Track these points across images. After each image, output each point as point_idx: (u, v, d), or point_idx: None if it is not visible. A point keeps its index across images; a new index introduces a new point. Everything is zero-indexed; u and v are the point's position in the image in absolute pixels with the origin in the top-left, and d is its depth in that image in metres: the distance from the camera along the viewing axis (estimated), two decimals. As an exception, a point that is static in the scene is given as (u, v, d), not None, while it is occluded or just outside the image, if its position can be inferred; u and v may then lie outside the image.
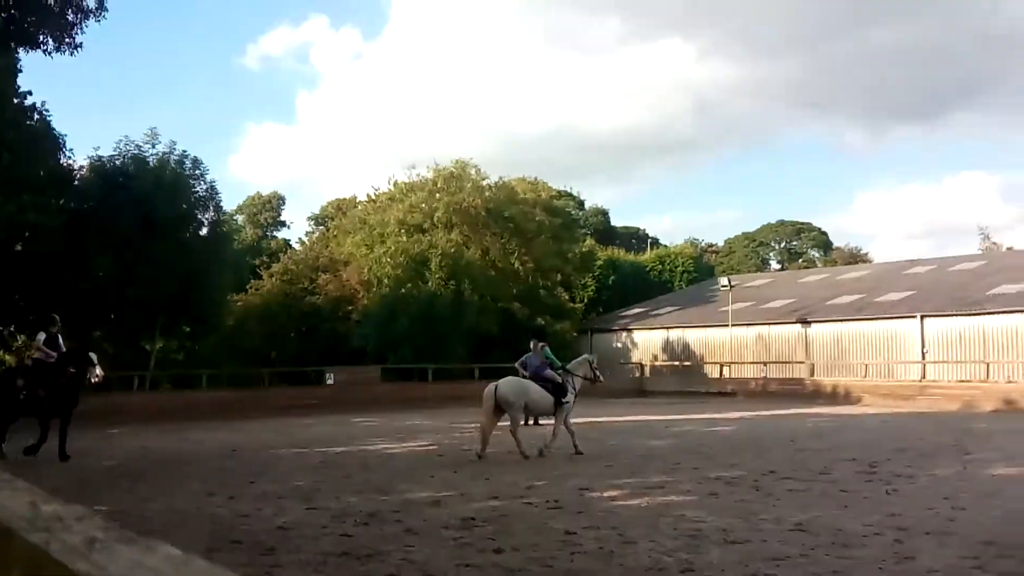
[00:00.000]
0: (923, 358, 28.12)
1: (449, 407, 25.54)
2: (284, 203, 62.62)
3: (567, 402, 13.06)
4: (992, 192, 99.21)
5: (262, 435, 17.41)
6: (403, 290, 32.37)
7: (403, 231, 35.39)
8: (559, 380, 13.19)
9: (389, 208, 37.45)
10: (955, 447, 13.40)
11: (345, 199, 56.00)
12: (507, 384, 12.79)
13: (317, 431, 18.27)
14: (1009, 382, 24.78)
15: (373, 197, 41.11)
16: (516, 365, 19.52)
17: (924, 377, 27.59)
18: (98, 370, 12.85)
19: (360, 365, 31.57)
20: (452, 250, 34.34)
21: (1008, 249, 52.26)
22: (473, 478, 10.28)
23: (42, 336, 13.06)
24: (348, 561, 6.10)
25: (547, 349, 13.96)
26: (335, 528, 7.29)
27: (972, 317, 27.45)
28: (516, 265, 37.60)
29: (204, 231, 28.57)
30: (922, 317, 28.62)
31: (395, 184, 39.36)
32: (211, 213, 28.88)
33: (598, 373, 14.34)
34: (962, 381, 26.01)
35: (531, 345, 14.04)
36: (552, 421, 13.18)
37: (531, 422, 18.08)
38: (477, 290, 33.81)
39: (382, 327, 31.64)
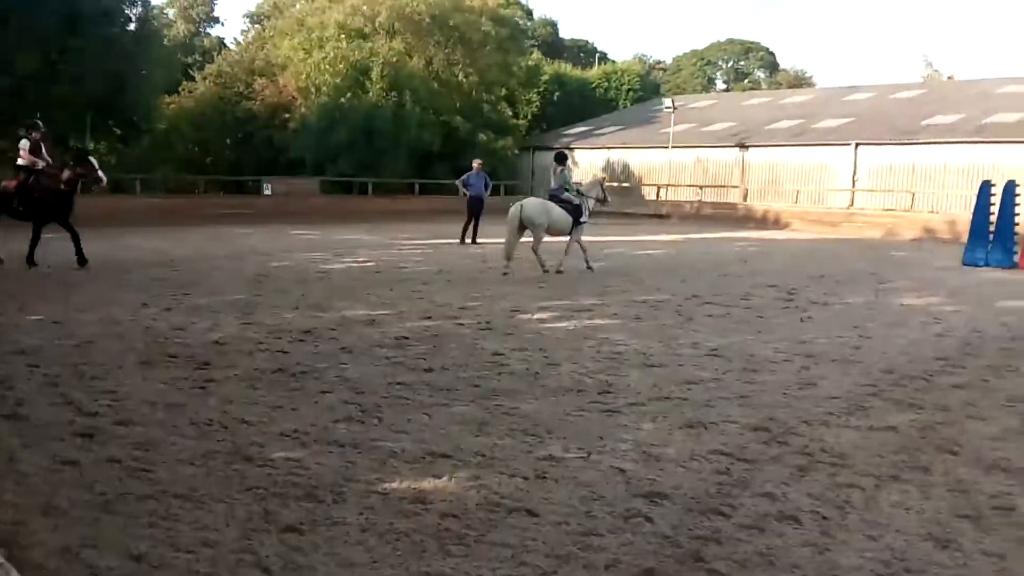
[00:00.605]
0: (853, 186, 28.87)
1: (389, 222, 25.65)
2: (216, -2, 59.04)
3: (584, 222, 13.96)
4: (940, 16, 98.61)
5: (198, 244, 17.39)
6: (342, 99, 31.42)
7: (343, 36, 33.84)
8: (576, 201, 13.84)
9: (329, 9, 35.61)
10: (872, 275, 14.11)
11: (284, -5, 53.00)
12: (531, 204, 13.47)
13: (254, 242, 18.25)
14: (931, 212, 25.75)
15: (312, -3, 38.98)
16: (457, 182, 19.69)
17: (852, 204, 28.44)
18: (101, 174, 12.82)
19: (298, 176, 31.15)
20: (394, 59, 33.13)
21: (948, 79, 52.55)
22: (408, 297, 10.52)
23: (25, 143, 12.65)
24: (282, 377, 6.34)
25: (566, 172, 14.45)
26: (271, 344, 7.49)
27: (903, 147, 28.03)
28: (460, 77, 36.58)
29: (132, 26, 27.00)
30: (856, 145, 29.10)
31: (333, -17, 37.29)
32: (139, 8, 27.26)
33: (608, 194, 15.03)
34: (887, 210, 26.94)
35: (552, 169, 14.55)
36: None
37: (467, 240, 18.53)
38: (419, 102, 32.98)
39: (320, 138, 30.97)
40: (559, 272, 13.25)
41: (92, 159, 13.08)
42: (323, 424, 5.18)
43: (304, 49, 34.27)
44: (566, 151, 16.13)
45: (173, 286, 11.02)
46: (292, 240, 19.09)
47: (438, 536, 3.63)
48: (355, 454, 4.65)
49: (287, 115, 33.41)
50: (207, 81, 35.45)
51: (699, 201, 32.29)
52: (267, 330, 8.12)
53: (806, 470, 4.54)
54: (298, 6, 41.39)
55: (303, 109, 32.99)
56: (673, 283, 12.58)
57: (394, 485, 4.20)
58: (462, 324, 8.72)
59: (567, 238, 13.81)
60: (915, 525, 3.87)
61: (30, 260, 12.43)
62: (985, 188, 16.76)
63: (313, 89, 32.71)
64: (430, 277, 12.70)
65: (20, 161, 12.68)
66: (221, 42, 51.22)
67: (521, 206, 13.32)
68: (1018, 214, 16.42)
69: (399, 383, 6.20)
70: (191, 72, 36.52)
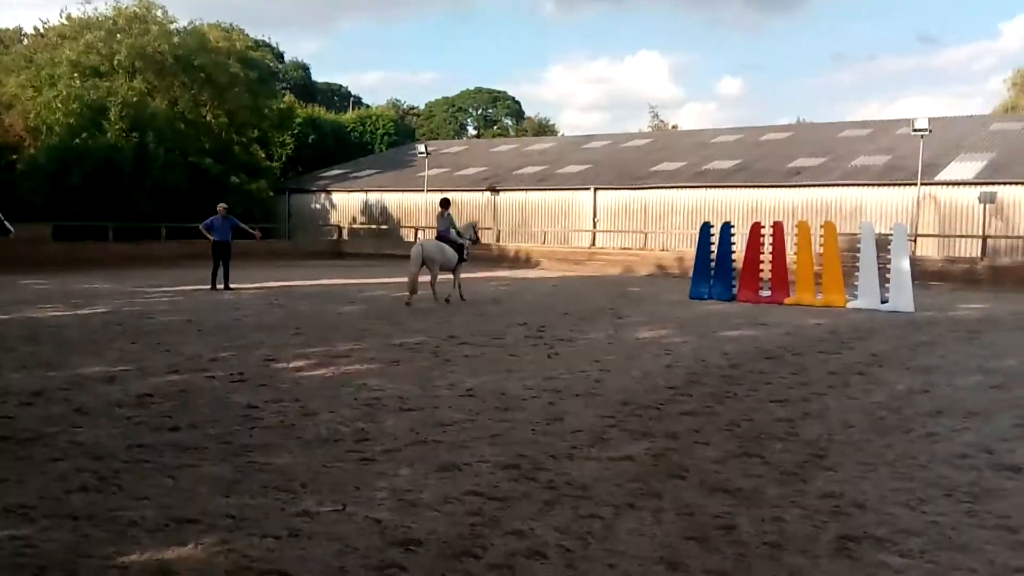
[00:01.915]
0: (594, 227, 30.92)
1: (132, 268, 24.05)
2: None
3: (466, 259, 16.49)
4: (663, 72, 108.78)
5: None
6: (77, 140, 29.20)
7: (77, 74, 31.54)
8: (460, 241, 16.17)
9: (60, 46, 33.08)
10: (611, 311, 15.14)
11: (8, 30, 48.67)
12: (430, 245, 15.73)
13: (-29, 297, 16.39)
14: (662, 250, 28.12)
15: (42, 32, 36.15)
16: (200, 227, 18.90)
17: (594, 244, 30.46)
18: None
19: (28, 222, 28.39)
20: (135, 99, 31.34)
21: (673, 127, 57.91)
22: (153, 350, 9.92)
23: None
24: (7, 446, 5.77)
25: (451, 216, 16.69)
26: (-7, 410, 6.81)
27: (636, 191, 30.50)
28: (208, 118, 35.32)
29: None
30: (595, 189, 31.27)
31: (68, 19, 34.80)
32: None
33: (479, 236, 17.99)
34: (624, 248, 29.12)
35: (439, 213, 16.61)
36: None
37: (219, 286, 17.82)
38: (164, 143, 31.35)
39: (53, 180, 28.52)
40: (447, 301, 15.56)
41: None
42: (53, 495, 4.77)
43: (33, 87, 31.67)
44: (449, 198, 18.01)
45: None
46: (22, 291, 17.39)
47: (184, 607, 3.48)
48: (90, 526, 4.33)
49: (14, 156, 30.51)
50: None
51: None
52: (-13, 395, 7.35)
53: (552, 504, 4.80)
54: (26, 41, 38.23)
55: (32, 150, 30.28)
56: (431, 324, 12.81)
57: (133, 558, 3.95)
58: (213, 377, 8.36)
59: (450, 275, 16.03)
60: (649, 550, 4.18)
61: None
62: (705, 228, 18.58)
63: (44, 129, 30.14)
64: (178, 327, 12.05)
65: None
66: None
67: (422, 246, 15.55)
68: (734, 251, 18.35)
69: (141, 445, 5.84)
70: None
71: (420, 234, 34.85)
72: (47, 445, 5.82)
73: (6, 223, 11.99)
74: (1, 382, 7.90)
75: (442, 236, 16.11)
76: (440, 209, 16.61)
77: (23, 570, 3.79)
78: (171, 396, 7.43)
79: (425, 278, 15.65)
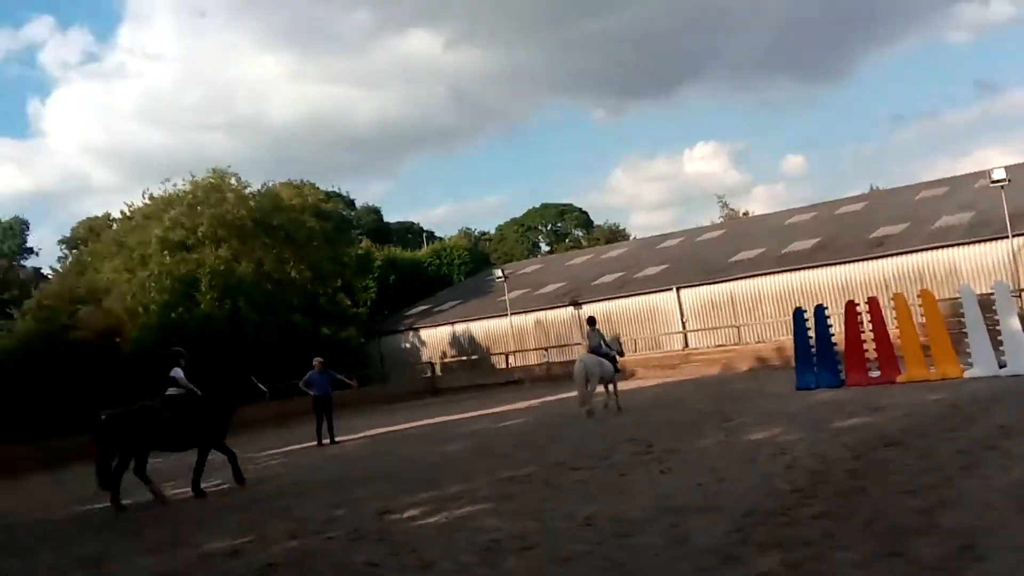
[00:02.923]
0: (683, 327, 30.58)
1: (238, 435, 24.48)
2: (28, 228, 57.42)
3: (619, 371, 18.31)
4: (724, 160, 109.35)
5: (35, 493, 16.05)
6: (173, 315, 30.67)
7: (166, 251, 33.39)
8: (612, 354, 17.68)
9: (147, 226, 35.18)
10: (717, 414, 14.77)
11: (98, 218, 52.07)
12: (591, 360, 16.99)
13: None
14: (759, 342, 27.52)
15: (128, 214, 38.46)
16: (300, 384, 19.38)
17: (687, 345, 30.04)
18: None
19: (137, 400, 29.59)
20: (222, 267, 32.89)
21: (744, 214, 57.68)
22: (269, 516, 10.06)
23: (179, 372, 13.10)
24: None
25: (600, 331, 18.22)
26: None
27: (719, 284, 30.19)
28: (292, 274, 36.67)
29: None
30: (677, 288, 31.08)
31: (151, 198, 37.03)
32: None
33: (623, 348, 19.27)
34: (719, 345, 28.61)
35: (587, 329, 18.34)
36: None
37: (325, 440, 18.08)
38: (254, 305, 32.65)
39: (153, 357, 29.80)
40: (619, 409, 17.14)
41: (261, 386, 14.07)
42: None
43: (127, 269, 33.53)
44: (594, 316, 19.69)
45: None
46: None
47: None
48: None
49: (118, 339, 32.12)
50: (26, 317, 33.79)
51: (547, 362, 33.10)
52: (119, 584, 7.52)
53: (693, 637, 4.61)
54: (115, 227, 40.72)
55: (134, 332, 31.86)
56: (536, 452, 12.69)
57: None
58: (331, 538, 8.40)
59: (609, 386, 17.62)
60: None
61: (197, 488, 12.71)
62: (799, 314, 18.17)
63: (141, 309, 31.79)
64: (291, 488, 12.24)
65: (174, 391, 12.98)
66: (38, 273, 49.41)
67: (584, 363, 16.81)
68: (833, 333, 17.83)
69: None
70: (8, 310, 34.78)
71: (510, 359, 35.05)
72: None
73: (260, 385, 13.79)
74: (131, 568, 8.08)
75: (595, 351, 17.45)
76: (587, 327, 18.35)
77: None
78: (293, 563, 7.47)
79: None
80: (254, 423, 27.92)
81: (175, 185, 36.21)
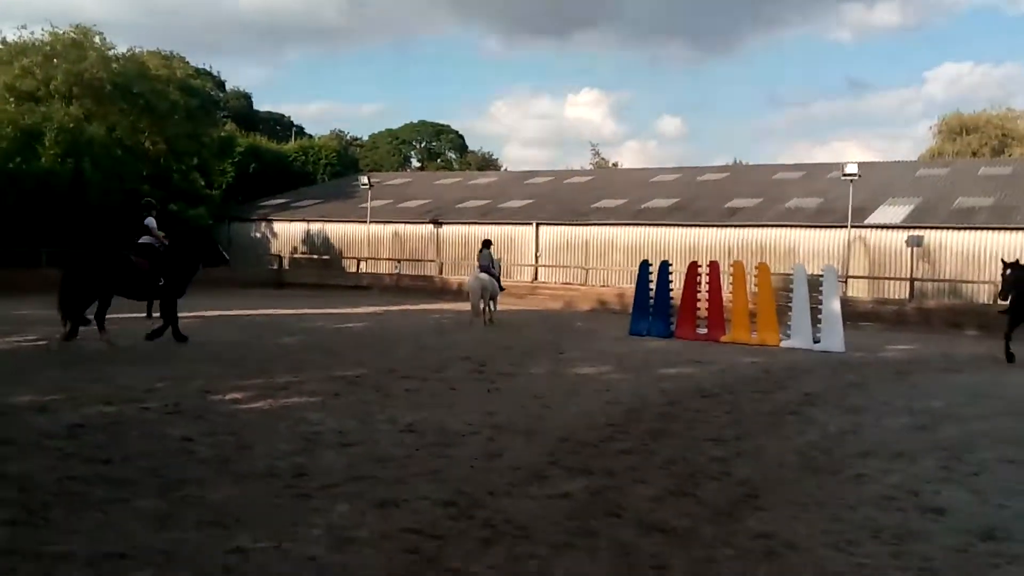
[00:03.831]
0: (536, 261, 31.17)
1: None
2: None
3: (503, 289, 20.56)
4: (605, 110, 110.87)
5: None
6: (11, 165, 28.52)
7: (13, 99, 30.86)
8: (496, 274, 19.64)
9: (-5, 70, 32.29)
10: (552, 346, 15.25)
11: (-58, 53, 47.23)
12: (487, 278, 18.85)
13: None
14: (603, 286, 28.46)
15: (-24, 54, 35.10)
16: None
17: (536, 279, 30.66)
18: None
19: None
20: (71, 125, 30.70)
21: (614, 165, 59.01)
22: (86, 379, 9.67)
23: (152, 221, 14.02)
24: (-70, 480, 5.60)
25: (491, 253, 19.91)
26: (-86, 442, 6.58)
27: (577, 227, 30.88)
28: (147, 145, 34.75)
29: None
30: (537, 224, 31.57)
31: (3, 43, 33.97)
32: None
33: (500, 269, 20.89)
34: (566, 283, 29.39)
35: (481, 252, 19.98)
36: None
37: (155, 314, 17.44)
38: (101, 169, 30.76)
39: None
40: (492, 323, 18.90)
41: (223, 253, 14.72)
42: (-22, 530, 4.64)
43: (-34, 111, 30.74)
44: (489, 240, 21.30)
45: None
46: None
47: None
48: (18, 561, 4.23)
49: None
50: None
51: (398, 273, 33.03)
52: (-93, 425, 7.10)
53: (490, 543, 4.82)
54: (-40, 65, 37.17)
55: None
56: (372, 356, 12.74)
57: (63, 595, 3.87)
58: (147, 408, 8.20)
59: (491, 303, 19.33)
60: (583, 586, 4.25)
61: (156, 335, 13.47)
62: (644, 267, 18.89)
63: (-25, 153, 29.32)
64: (112, 355, 11.80)
65: (146, 239, 13.80)
66: None
67: (481, 280, 18.61)
68: (672, 289, 18.68)
69: (71, 478, 5.71)
70: None
71: (362, 264, 34.72)
72: (-28, 478, 5.64)
73: (224, 253, 14.67)
74: (-78, 411, 7.63)
75: (485, 269, 19.27)
76: (483, 249, 20.01)
77: (-56, 609, 3.68)
78: (103, 428, 7.27)
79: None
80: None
81: (32, 33, 33.35)
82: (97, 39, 33.79)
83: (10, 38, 33.80)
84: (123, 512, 5.06)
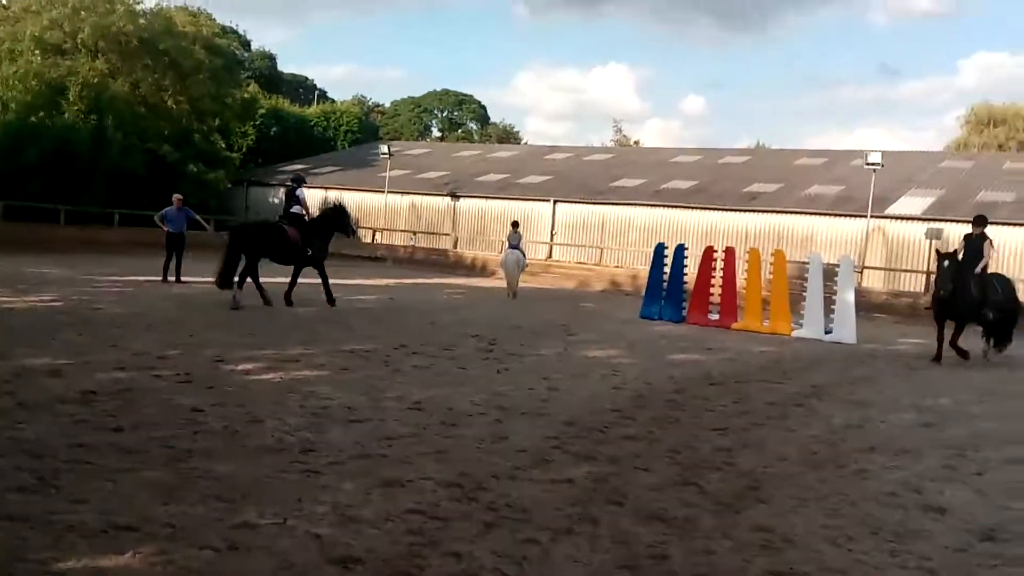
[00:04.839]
0: (551, 239, 31.13)
1: (84, 255, 23.63)
2: None
3: (527, 264, 22.54)
4: (630, 86, 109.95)
5: None
6: (34, 119, 28.62)
7: (39, 51, 30.87)
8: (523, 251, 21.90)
9: (23, 20, 32.31)
10: (562, 327, 15.28)
11: (-31, 0, 47.38)
12: (519, 255, 21.49)
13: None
14: (617, 267, 28.44)
15: (4, 3, 35.20)
16: (155, 217, 18.69)
17: (551, 256, 30.67)
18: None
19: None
20: (95, 80, 30.78)
21: (635, 143, 58.61)
22: (100, 344, 9.80)
23: (303, 192, 15.60)
24: (-55, 439, 5.71)
25: (519, 232, 22.04)
26: (-70, 400, 6.70)
27: (595, 206, 30.81)
28: (169, 104, 34.84)
29: None
30: (555, 201, 31.50)
31: (32, -9, 34.03)
32: None
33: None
34: (580, 262, 29.40)
35: (511, 232, 21.94)
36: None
37: (171, 278, 17.61)
38: (123, 127, 30.85)
39: (8, 158, 27.89)
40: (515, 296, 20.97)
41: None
42: (-10, 494, 4.74)
43: (-8, 60, 30.89)
44: (517, 221, 23.00)
45: None
46: (-35, 272, 17.00)
47: (119, 619, 3.49)
48: (27, 529, 4.30)
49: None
50: None
51: (413, 246, 33.12)
52: (-75, 384, 7.23)
53: (492, 526, 4.88)
54: (-12, 15, 37.25)
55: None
56: (383, 331, 12.82)
57: (71, 564, 3.95)
58: (159, 376, 8.29)
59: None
60: (582, 576, 4.30)
61: (287, 299, 14.94)
62: (659, 249, 18.86)
63: (1, 105, 29.46)
64: (127, 320, 11.92)
65: (295, 208, 15.30)
66: None
67: (517, 257, 21.25)
68: (687, 274, 18.64)
69: (82, 445, 5.79)
70: None
71: (377, 235, 34.79)
72: (-14, 441, 5.75)
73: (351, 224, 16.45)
74: (-60, 370, 7.76)
75: (515, 247, 21.39)
76: (511, 229, 21.93)
77: (-45, 572, 3.77)
78: (116, 394, 7.36)
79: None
80: (103, 245, 26.88)
81: (61, -17, 33.32)
82: None
83: None
84: (132, 482, 5.14)
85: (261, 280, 14.81)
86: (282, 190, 38.53)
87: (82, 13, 32.18)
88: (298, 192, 15.52)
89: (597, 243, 30.10)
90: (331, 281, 15.51)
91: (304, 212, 15.40)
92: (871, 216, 25.61)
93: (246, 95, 41.62)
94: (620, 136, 63.09)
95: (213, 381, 8.26)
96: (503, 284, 22.25)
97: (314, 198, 37.34)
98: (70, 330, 10.65)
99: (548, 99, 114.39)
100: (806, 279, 17.11)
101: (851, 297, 16.47)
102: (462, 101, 71.92)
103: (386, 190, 34.17)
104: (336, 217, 15.66)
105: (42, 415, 6.52)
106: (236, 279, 14.26)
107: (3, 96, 29.58)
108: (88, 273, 18.46)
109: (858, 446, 7.62)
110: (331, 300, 15.14)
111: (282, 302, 14.79)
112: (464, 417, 7.56)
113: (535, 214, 31.82)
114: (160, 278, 17.76)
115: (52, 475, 5.14)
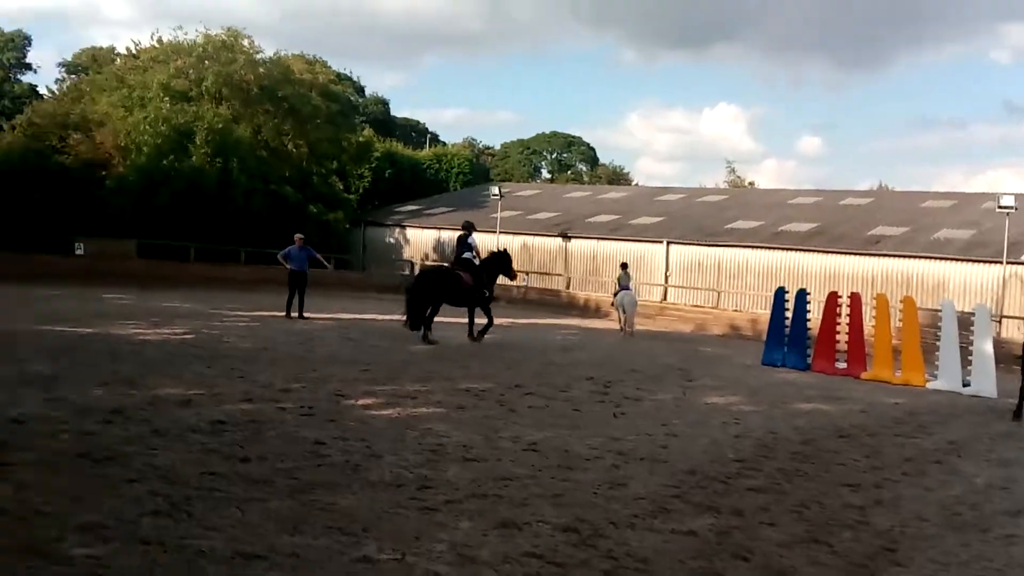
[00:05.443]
0: (666, 281, 30.70)
1: (211, 290, 24.72)
2: (30, 44, 56.07)
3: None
4: (742, 126, 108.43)
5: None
6: (164, 162, 30.37)
7: (167, 98, 32.86)
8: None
9: (152, 69, 34.49)
10: (680, 371, 14.93)
11: (101, 49, 51.12)
12: (632, 295, 22.47)
13: (63, 306, 17.11)
14: (736, 310, 27.73)
15: (134, 53, 37.62)
16: (279, 256, 19.42)
17: (665, 299, 30.22)
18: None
19: (115, 238, 29.52)
20: (220, 125, 32.46)
21: (750, 184, 57.55)
22: (227, 376, 10.16)
23: (474, 239, 16.59)
24: (86, 463, 5.96)
25: (629, 272, 23.11)
26: (76, 424, 7.04)
27: (710, 248, 30.24)
28: (290, 148, 36.41)
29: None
30: (668, 243, 31.11)
31: (159, 42, 36.29)
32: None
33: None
34: (696, 305, 28.81)
35: (620, 273, 22.99)
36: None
37: (294, 314, 18.17)
38: (246, 170, 32.38)
39: (140, 198, 29.65)
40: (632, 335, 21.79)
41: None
42: (128, 517, 4.90)
43: (124, 107, 33.01)
44: (626, 262, 24.29)
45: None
46: (104, 305, 18.04)
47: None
48: (160, 552, 4.43)
49: (103, 173, 31.83)
50: (16, 131, 33.30)
51: (526, 286, 33.25)
52: (73, 408, 7.62)
53: (611, 575, 4.73)
54: (118, 61, 39.92)
55: (121, 168, 31.55)
56: (498, 370, 12.83)
57: (202, 591, 4.03)
58: (283, 408, 8.51)
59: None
60: (709, 631, 4.10)
61: (477, 335, 16.38)
62: (779, 294, 18.26)
63: (133, 148, 31.42)
64: (253, 353, 12.35)
65: (466, 255, 16.36)
66: (33, 90, 48.46)
67: (632, 297, 22.38)
68: (809, 319, 17.96)
69: (212, 473, 5.97)
70: (-4, 120, 34.29)
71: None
72: (123, 465, 5.98)
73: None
74: (84, 398, 8.16)
75: (625, 288, 22.28)
76: (621, 271, 22.93)
77: (95, 593, 3.88)
78: (243, 425, 7.58)
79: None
80: (230, 281, 28.10)
81: (187, 34, 35.54)
82: (246, 42, 35.67)
83: (166, 38, 36.01)
84: (259, 512, 5.24)
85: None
86: (396, 230, 39.78)
87: (206, 62, 34.09)
88: (470, 239, 16.55)
89: (713, 286, 29.50)
90: (448, 320, 15.89)
91: (476, 256, 16.45)
92: (1007, 262, 24.18)
93: (361, 139, 43.07)
94: (733, 177, 62.05)
95: (335, 415, 8.41)
96: (616, 325, 22.09)
97: (427, 238, 38.29)
98: (200, 362, 11.09)
99: (658, 140, 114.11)
100: (938, 328, 16.21)
101: (989, 347, 15.52)
102: (571, 143, 72.42)
103: (498, 231, 34.51)
104: (501, 261, 16.88)
105: (174, 443, 6.75)
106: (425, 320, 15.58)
107: (135, 139, 31.45)
108: (216, 308, 19.27)
109: (1003, 508, 7.10)
110: (479, 335, 16.24)
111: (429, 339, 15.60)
112: (581, 461, 7.42)
113: (648, 255, 31.50)
114: (284, 314, 18.37)
115: (184, 501, 5.29)
